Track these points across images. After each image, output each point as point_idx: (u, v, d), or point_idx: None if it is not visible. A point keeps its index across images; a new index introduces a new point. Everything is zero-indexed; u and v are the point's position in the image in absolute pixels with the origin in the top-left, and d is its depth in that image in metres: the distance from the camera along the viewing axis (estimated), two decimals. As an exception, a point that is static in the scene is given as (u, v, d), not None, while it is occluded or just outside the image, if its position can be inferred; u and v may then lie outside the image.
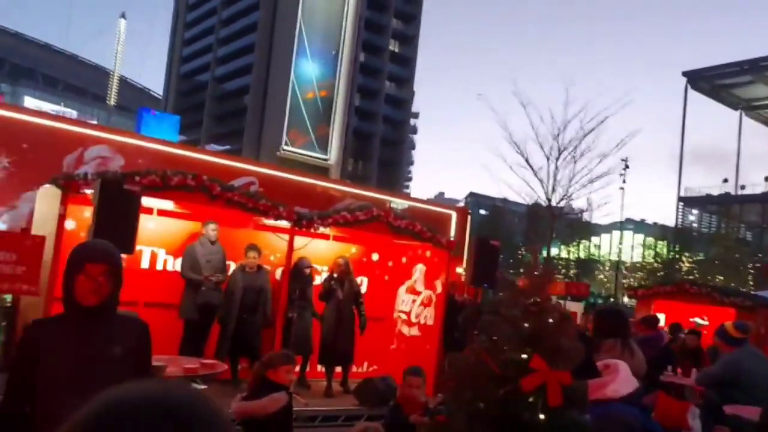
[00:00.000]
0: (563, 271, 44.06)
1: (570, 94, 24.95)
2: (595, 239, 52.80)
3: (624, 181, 31.79)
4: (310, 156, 54.84)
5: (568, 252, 46.94)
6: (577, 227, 40.15)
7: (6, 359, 7.82)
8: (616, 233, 51.96)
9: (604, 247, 55.78)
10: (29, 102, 61.73)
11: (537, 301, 1.88)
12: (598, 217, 34.78)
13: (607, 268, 50.74)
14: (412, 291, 9.20)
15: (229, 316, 7.45)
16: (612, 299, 41.78)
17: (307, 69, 56.00)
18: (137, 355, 2.42)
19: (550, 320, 1.86)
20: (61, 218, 6.18)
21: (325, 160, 55.98)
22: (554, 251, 41.74)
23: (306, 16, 55.92)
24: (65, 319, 2.42)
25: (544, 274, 1.99)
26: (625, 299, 38.36)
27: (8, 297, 7.94)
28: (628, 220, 49.11)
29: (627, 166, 31.61)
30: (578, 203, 27.47)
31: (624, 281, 44.45)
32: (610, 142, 25.31)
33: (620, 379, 2.22)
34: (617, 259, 44.35)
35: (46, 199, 6.81)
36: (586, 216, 33.13)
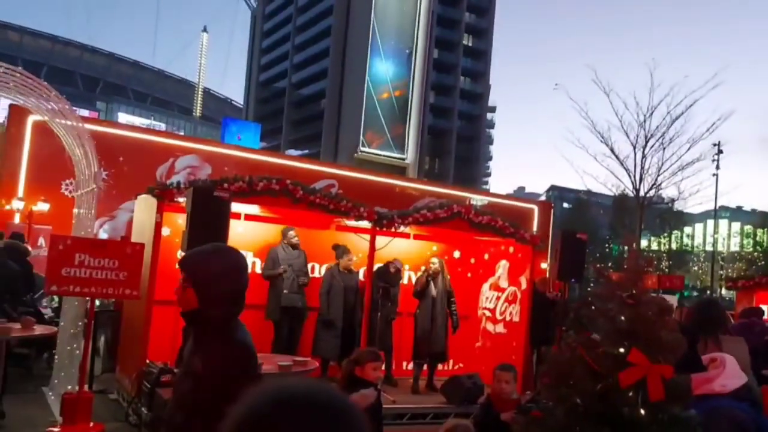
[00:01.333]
0: (654, 263, 42.15)
1: (655, 78, 23.85)
2: (687, 229, 50.24)
3: (717, 167, 30.11)
4: (387, 156, 55.26)
5: (659, 243, 44.90)
6: (668, 217, 38.32)
7: (112, 359, 8.36)
8: (710, 222, 49.21)
9: (698, 237, 53.01)
10: (122, 117, 65.58)
11: (633, 294, 1.82)
12: (691, 206, 33.04)
13: (701, 259, 48.22)
14: (496, 288, 9.08)
15: (336, 316, 7.67)
16: (708, 291, 39.64)
17: (381, 69, 56.46)
18: (218, 375, 2.15)
19: (649, 313, 1.79)
20: (158, 226, 6.53)
21: (402, 159, 56.23)
22: (644, 243, 40.03)
23: (379, 17, 56.37)
24: None
25: (640, 265, 1.92)
26: (724, 291, 36.29)
27: (109, 301, 8.48)
28: (723, 208, 46.41)
29: (720, 151, 29.97)
30: (668, 192, 26.21)
31: (721, 272, 42.08)
32: (701, 126, 24.09)
33: (728, 373, 2.10)
34: (712, 249, 42.01)
35: (143, 208, 7.22)
36: (677, 205, 31.53)
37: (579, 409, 1.73)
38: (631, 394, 1.69)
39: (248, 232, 8.05)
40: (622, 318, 1.77)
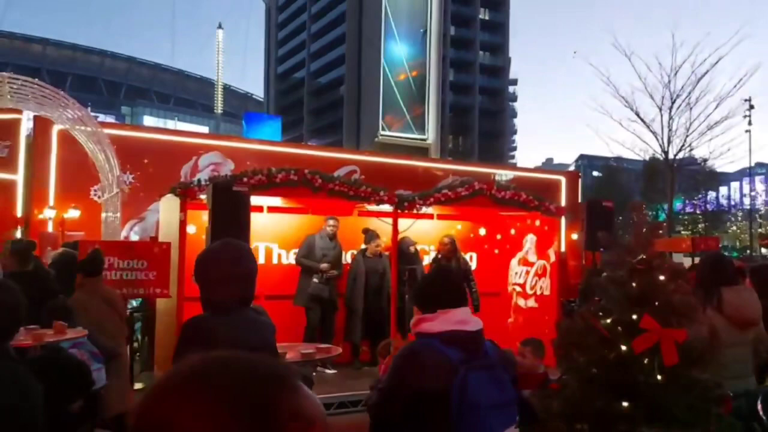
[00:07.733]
0: (689, 226, 41.34)
1: (677, 37, 23.32)
2: (723, 189, 49.02)
3: (749, 123, 29.26)
4: (408, 138, 54.87)
5: (695, 206, 43.93)
6: (701, 178, 37.40)
7: (151, 357, 8.52)
8: (746, 180, 47.91)
9: (735, 196, 51.70)
10: (148, 120, 66.30)
11: (644, 259, 1.77)
12: (724, 165, 32.19)
13: (739, 219, 47.09)
14: (525, 262, 9.00)
15: (356, 300, 7.69)
16: (748, 251, 38.72)
17: (396, 51, 55.92)
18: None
19: (661, 277, 1.74)
20: (182, 224, 6.61)
21: (424, 139, 55.80)
22: (678, 206, 39.20)
23: (391, -1, 55.79)
24: None
25: (650, 230, 1.87)
26: (763, 250, 35.43)
27: (136, 301, 8.60)
28: (759, 164, 45.15)
29: (752, 106, 29.11)
30: (699, 152, 25.60)
31: (760, 230, 41.03)
32: (728, 84, 23.47)
33: (441, 319, 2.36)
34: (749, 207, 40.95)
35: (167, 208, 7.32)
36: (710, 165, 30.76)
37: (594, 378, 1.70)
38: (646, 360, 1.66)
39: (271, 224, 8.11)
40: (633, 284, 1.73)
